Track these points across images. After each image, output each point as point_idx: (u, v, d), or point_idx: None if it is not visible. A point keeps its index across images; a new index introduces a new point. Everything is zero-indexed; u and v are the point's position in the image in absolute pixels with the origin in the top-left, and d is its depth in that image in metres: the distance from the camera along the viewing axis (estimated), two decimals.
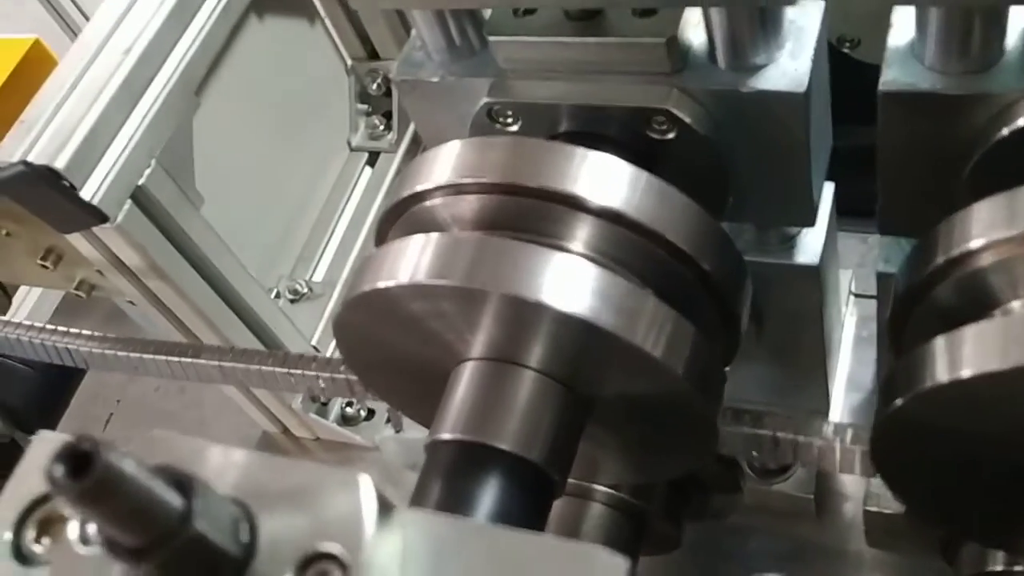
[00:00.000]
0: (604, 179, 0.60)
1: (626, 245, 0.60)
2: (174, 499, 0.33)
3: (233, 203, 1.08)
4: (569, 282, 0.56)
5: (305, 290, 1.19)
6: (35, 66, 1.18)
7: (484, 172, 0.62)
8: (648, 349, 0.55)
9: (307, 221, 1.26)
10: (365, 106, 1.32)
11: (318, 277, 1.23)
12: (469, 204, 0.64)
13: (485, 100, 0.69)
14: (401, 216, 0.67)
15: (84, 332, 1.01)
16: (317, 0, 1.22)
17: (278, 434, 1.22)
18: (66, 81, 0.87)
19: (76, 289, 1.19)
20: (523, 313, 0.57)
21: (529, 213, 0.61)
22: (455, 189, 0.64)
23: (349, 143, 1.32)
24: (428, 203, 0.65)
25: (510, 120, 0.70)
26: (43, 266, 1.14)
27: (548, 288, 0.55)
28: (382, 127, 1.31)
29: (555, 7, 0.66)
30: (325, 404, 1.17)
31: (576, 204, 0.60)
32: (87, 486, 0.31)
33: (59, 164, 0.81)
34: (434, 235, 0.61)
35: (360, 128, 1.32)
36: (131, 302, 1.12)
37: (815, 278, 0.76)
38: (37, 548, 0.43)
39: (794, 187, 0.69)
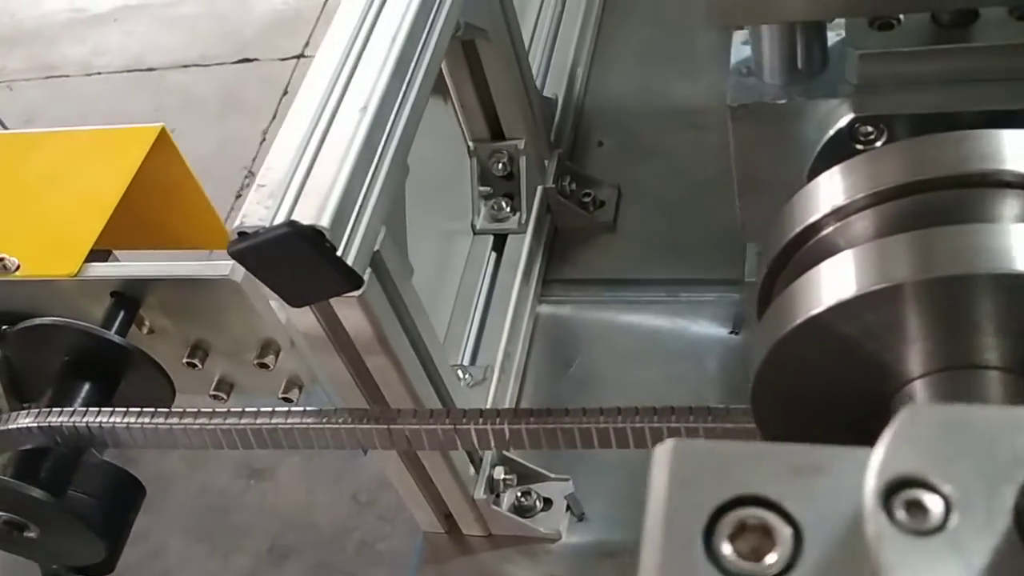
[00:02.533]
0: None
1: None
2: None
3: None
4: None
5: (466, 375, 1.12)
6: (162, 154, 1.10)
7: (880, 181, 0.59)
8: None
9: (446, 305, 1.19)
10: (487, 188, 1.27)
11: (466, 361, 1.16)
12: (871, 218, 0.60)
13: (851, 115, 0.66)
14: (786, 265, 0.63)
15: (247, 408, 0.88)
16: (449, 78, 1.19)
17: (443, 538, 1.12)
18: (302, 141, 0.80)
19: (215, 390, 1.08)
20: (985, 295, 0.52)
21: (941, 207, 0.58)
22: (848, 210, 0.60)
23: (473, 226, 1.27)
24: (822, 234, 0.61)
25: (872, 136, 0.67)
26: (191, 364, 1.04)
27: (1019, 255, 0.51)
28: (508, 208, 1.26)
29: (926, 11, 0.65)
30: (499, 496, 1.09)
31: (1001, 182, 0.57)
32: None
33: (324, 223, 0.74)
34: (847, 252, 0.57)
35: (482, 210, 1.28)
36: (290, 394, 1.02)
37: None
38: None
39: None
